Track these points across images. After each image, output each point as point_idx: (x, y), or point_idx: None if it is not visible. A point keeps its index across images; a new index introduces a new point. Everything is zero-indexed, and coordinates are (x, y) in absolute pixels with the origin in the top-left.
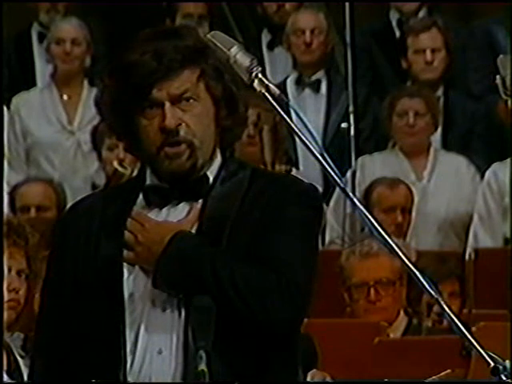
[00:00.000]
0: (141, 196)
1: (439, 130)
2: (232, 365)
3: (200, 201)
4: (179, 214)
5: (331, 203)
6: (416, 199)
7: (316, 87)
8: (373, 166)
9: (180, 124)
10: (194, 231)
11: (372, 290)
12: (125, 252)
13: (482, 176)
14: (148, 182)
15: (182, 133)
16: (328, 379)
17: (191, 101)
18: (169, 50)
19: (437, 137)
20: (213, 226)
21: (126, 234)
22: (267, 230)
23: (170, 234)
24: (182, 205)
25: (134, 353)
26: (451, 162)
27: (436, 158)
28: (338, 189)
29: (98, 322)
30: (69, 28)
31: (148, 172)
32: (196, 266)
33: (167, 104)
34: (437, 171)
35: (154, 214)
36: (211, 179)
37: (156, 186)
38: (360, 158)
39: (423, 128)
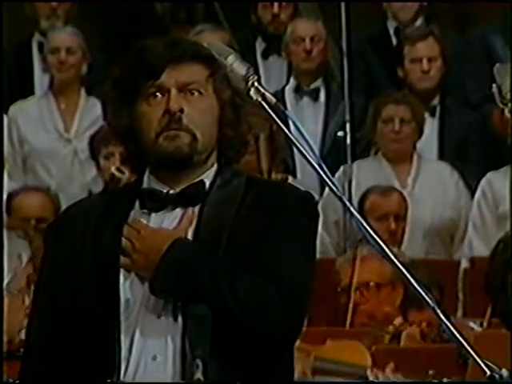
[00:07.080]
0: (138, 201)
1: (435, 138)
2: (230, 371)
3: (194, 207)
4: (174, 220)
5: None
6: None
7: (314, 96)
8: (357, 173)
9: (183, 110)
10: (189, 237)
11: (357, 293)
12: (121, 258)
13: (477, 185)
14: (145, 185)
15: (184, 121)
16: None
17: (197, 94)
18: (182, 43)
19: (433, 145)
20: (210, 233)
21: (123, 240)
22: (266, 239)
23: (167, 242)
24: (177, 210)
25: (128, 359)
26: (434, 169)
27: (419, 164)
28: (324, 196)
29: (93, 327)
30: (63, 36)
31: (145, 175)
32: (195, 275)
33: (173, 91)
34: (421, 178)
35: (148, 219)
36: (207, 185)
37: (152, 190)
38: (343, 166)
39: (408, 135)
